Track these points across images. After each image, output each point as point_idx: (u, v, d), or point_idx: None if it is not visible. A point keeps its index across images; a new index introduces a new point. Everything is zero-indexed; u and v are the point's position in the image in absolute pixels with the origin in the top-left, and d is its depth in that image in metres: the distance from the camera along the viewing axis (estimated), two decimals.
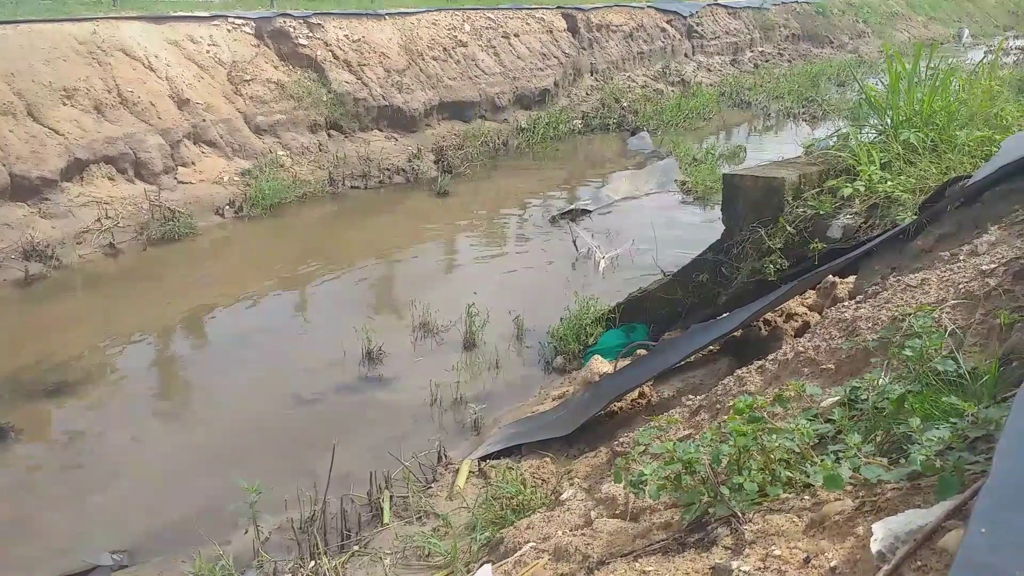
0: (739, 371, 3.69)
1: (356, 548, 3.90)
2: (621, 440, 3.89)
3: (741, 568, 1.72)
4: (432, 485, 4.54)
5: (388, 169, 12.98)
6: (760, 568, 1.71)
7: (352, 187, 12.41)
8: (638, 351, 5.45)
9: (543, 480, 4.25)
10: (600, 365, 5.38)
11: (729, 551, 1.88)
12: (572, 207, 10.79)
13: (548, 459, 4.44)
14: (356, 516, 4.20)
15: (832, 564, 1.62)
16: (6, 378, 6.21)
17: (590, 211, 10.72)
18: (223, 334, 7.21)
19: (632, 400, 4.77)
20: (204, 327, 7.37)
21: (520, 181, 13.23)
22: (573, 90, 19.03)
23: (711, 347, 4.82)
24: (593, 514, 3.15)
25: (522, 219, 10.82)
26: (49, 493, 4.86)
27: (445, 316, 7.07)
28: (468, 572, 3.13)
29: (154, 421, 5.79)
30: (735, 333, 4.70)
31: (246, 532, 4.13)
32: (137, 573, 4.07)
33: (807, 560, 1.68)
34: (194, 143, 11.48)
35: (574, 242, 9.13)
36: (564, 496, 3.74)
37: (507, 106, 16.65)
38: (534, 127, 15.93)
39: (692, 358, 4.81)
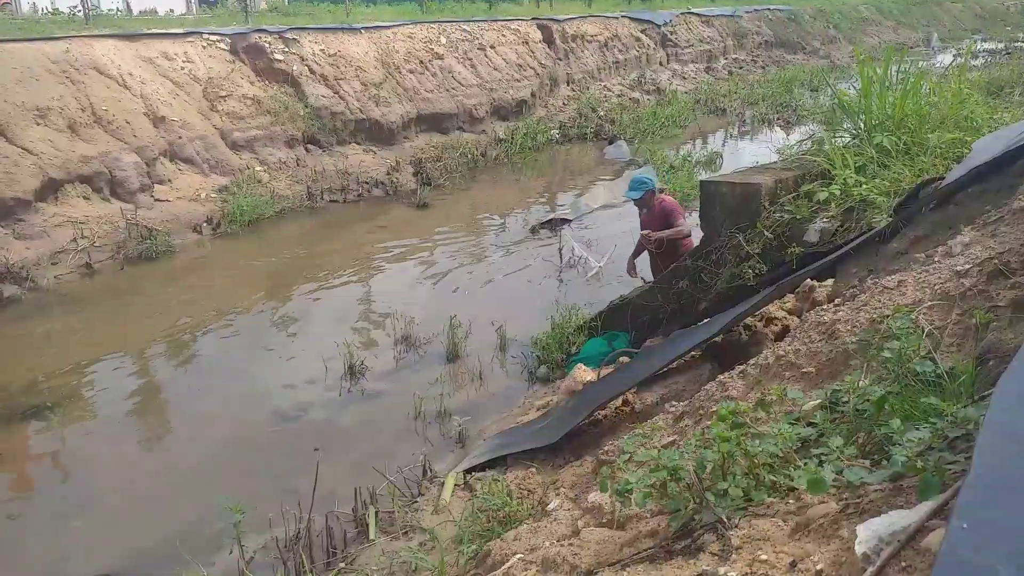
0: (721, 376, 3.70)
1: (342, 565, 3.86)
2: (606, 448, 3.89)
3: (728, 574, 1.72)
4: (418, 499, 4.51)
5: (367, 182, 12.96)
6: (747, 573, 1.71)
7: (331, 201, 12.38)
8: (621, 359, 5.46)
9: (529, 491, 4.23)
10: (583, 374, 5.38)
11: (716, 557, 1.88)
12: (552, 216, 10.82)
13: (534, 469, 4.42)
14: (342, 533, 4.16)
15: (818, 568, 1.63)
16: None
17: (569, 220, 10.76)
18: (203, 352, 7.13)
19: (616, 408, 4.77)
20: (183, 346, 7.30)
21: (499, 191, 13.26)
22: (550, 100, 19.13)
23: (693, 353, 4.84)
24: (580, 523, 3.14)
25: (502, 229, 10.84)
26: (29, 518, 4.78)
27: (427, 328, 7.05)
28: None
29: (134, 442, 5.71)
30: (716, 339, 4.72)
31: (230, 552, 4.08)
32: None
33: (793, 564, 1.69)
34: (170, 160, 11.41)
35: (559, 251, 9.16)
36: (551, 506, 3.73)
37: (485, 117, 16.71)
38: (512, 138, 15.99)
39: (674, 364, 4.82)
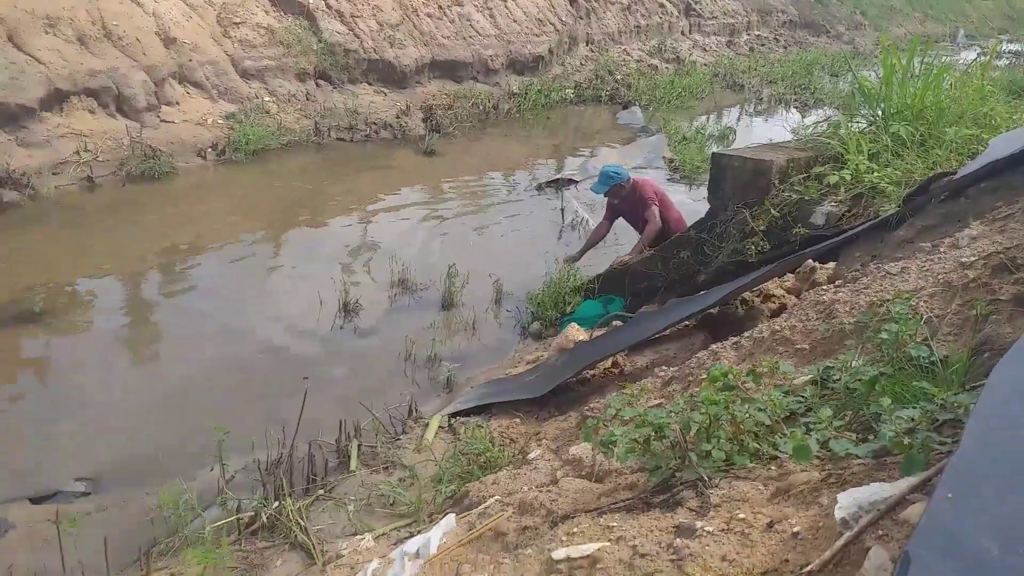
0: (714, 346, 3.73)
1: (321, 492, 3.91)
2: (592, 405, 3.93)
3: (705, 528, 1.75)
4: (401, 438, 4.55)
5: (375, 123, 12.82)
6: (724, 529, 1.74)
7: (338, 139, 12.26)
8: (614, 323, 5.48)
9: (511, 440, 4.28)
10: (576, 333, 5.41)
11: (694, 513, 1.91)
12: (559, 176, 10.75)
13: (518, 420, 4.47)
14: (323, 462, 4.20)
15: (795, 529, 1.65)
16: None
17: (577, 181, 10.69)
18: (199, 276, 7.12)
19: (605, 369, 4.81)
20: (179, 268, 7.28)
21: (508, 146, 13.16)
22: (567, 59, 18.87)
23: (687, 322, 4.86)
24: (559, 474, 3.18)
25: (508, 184, 10.77)
26: (16, 418, 4.81)
27: (424, 275, 7.04)
28: (432, 522, 3.16)
29: (124, 357, 5.73)
30: (712, 310, 4.73)
31: (212, 470, 4.12)
32: (101, 501, 4.06)
33: (771, 524, 1.72)
34: (179, 82, 11.25)
35: (561, 211, 9.12)
36: (531, 455, 3.77)
37: (500, 69, 16.48)
38: (526, 93, 15.80)
39: (668, 332, 4.85)
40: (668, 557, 1.67)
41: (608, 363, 4.80)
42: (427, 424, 4.63)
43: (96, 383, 5.26)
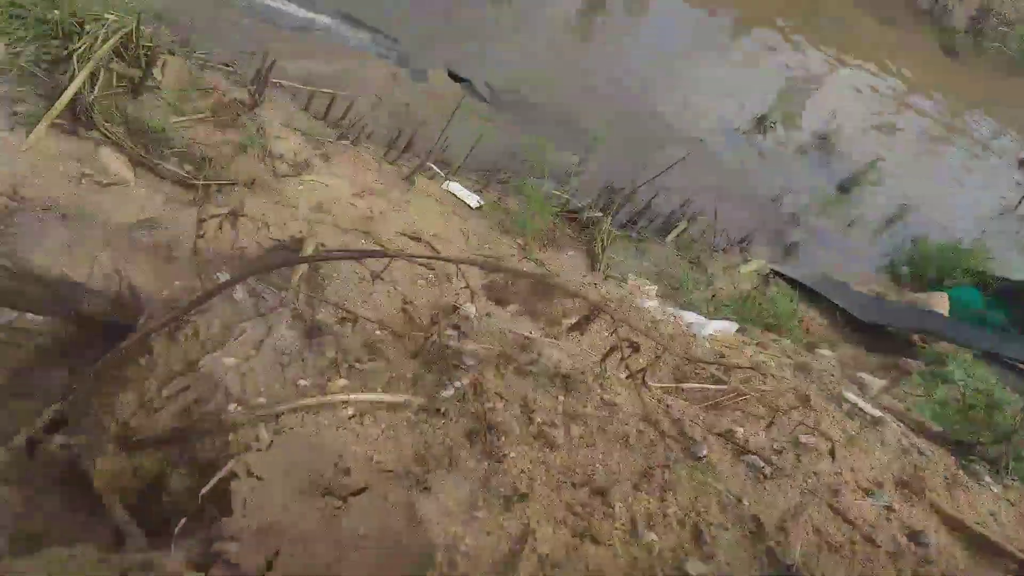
0: None
1: (632, 235, 4.21)
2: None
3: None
4: (718, 252, 4.55)
5: None
6: (1013, 502, 1.59)
7: None
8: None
9: (808, 329, 4.15)
10: (941, 304, 4.91)
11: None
12: None
13: (826, 321, 4.32)
14: (650, 218, 4.39)
15: None
16: None
17: None
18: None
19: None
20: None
21: None
22: None
23: None
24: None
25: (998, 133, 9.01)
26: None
27: (849, 150, 6.49)
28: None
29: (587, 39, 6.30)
30: None
31: (573, 154, 4.44)
32: (492, 113, 4.62)
33: None
34: None
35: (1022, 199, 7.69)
36: (818, 351, 3.68)
37: None
38: None
39: None
40: (943, 484, 1.56)
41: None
42: (749, 259, 4.57)
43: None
